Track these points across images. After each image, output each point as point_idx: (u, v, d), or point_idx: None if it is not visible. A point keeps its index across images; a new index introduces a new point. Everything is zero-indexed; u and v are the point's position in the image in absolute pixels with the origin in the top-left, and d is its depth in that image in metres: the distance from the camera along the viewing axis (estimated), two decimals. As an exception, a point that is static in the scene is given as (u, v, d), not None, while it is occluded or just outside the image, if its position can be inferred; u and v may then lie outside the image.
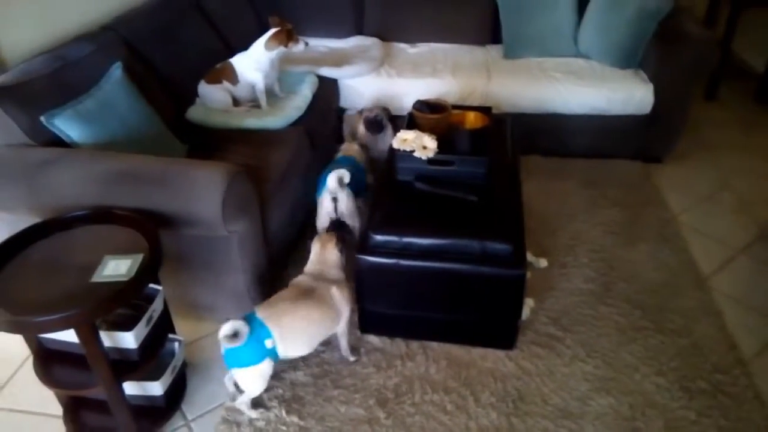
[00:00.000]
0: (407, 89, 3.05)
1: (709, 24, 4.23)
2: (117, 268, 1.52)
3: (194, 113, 2.62)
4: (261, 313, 1.75)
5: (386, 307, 2.03)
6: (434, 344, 2.05)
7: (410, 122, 2.32)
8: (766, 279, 2.35)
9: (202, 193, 1.71)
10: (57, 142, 1.93)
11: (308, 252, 1.99)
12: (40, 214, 1.78)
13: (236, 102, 2.71)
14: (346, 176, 2.21)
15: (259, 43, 2.66)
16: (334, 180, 2.18)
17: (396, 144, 2.11)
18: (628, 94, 2.92)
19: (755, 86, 3.84)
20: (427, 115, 2.26)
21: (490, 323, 1.98)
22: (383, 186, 2.18)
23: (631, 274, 2.35)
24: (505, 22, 3.30)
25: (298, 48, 2.69)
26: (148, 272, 1.51)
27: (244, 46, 2.72)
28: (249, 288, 2.00)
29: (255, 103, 2.74)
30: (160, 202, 1.73)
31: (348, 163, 2.50)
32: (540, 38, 3.26)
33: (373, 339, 2.08)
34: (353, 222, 2.31)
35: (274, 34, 2.63)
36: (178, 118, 2.57)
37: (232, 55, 2.73)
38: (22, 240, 1.61)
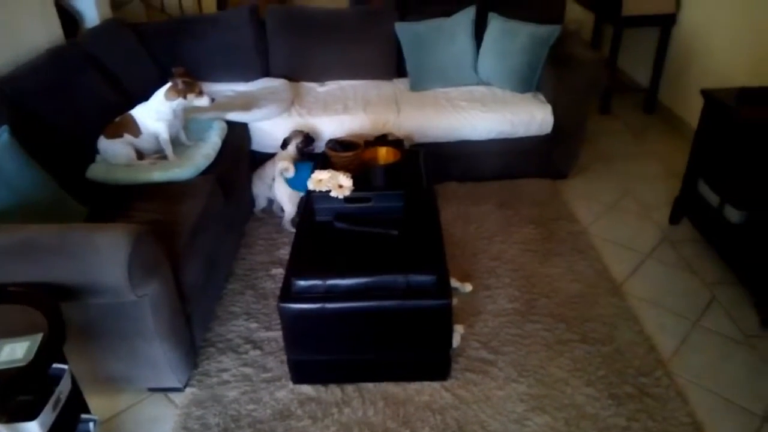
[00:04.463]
0: (320, 128, 3.06)
1: (595, 45, 4.56)
2: (12, 352, 1.38)
3: (95, 171, 2.47)
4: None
5: (316, 353, 1.97)
6: (370, 385, 2.01)
7: (324, 162, 2.31)
8: (673, 280, 2.50)
9: (104, 259, 1.60)
10: (-64, 218, 1.76)
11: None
12: None
13: (141, 155, 2.60)
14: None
15: (160, 93, 2.57)
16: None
17: (311, 185, 2.09)
18: (530, 117, 3.07)
19: (642, 98, 4.15)
20: (340, 153, 2.26)
21: (423, 356, 1.97)
22: (302, 229, 2.14)
23: (551, 289, 2.43)
24: (408, 56, 3.40)
25: (202, 103, 2.61)
26: (49, 353, 1.38)
27: (146, 97, 2.63)
28: (167, 352, 1.88)
29: (161, 155, 2.64)
30: (61, 273, 1.61)
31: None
32: (442, 69, 3.37)
33: (307, 389, 2.01)
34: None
35: (171, 87, 2.55)
36: (79, 178, 2.42)
37: (133, 107, 2.63)
38: None
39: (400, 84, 3.47)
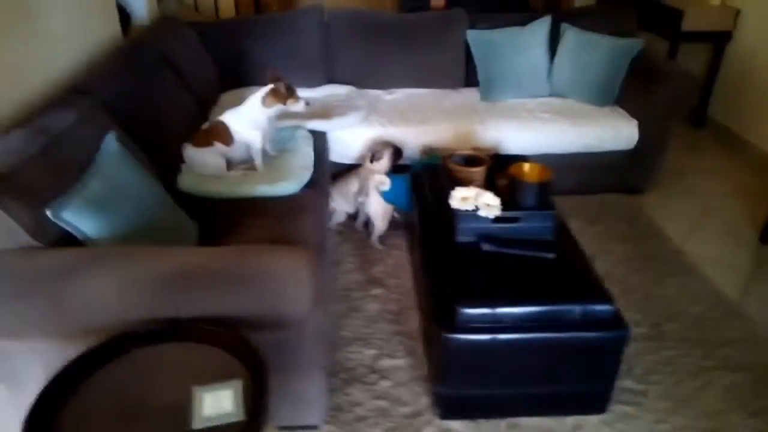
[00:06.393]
0: (402, 137, 2.89)
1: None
2: (218, 403, 1.18)
3: (187, 182, 2.25)
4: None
5: (474, 387, 1.81)
6: (523, 420, 1.87)
7: (448, 177, 2.16)
8: (787, 301, 2.46)
9: (289, 289, 1.41)
10: (65, 240, 1.52)
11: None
12: (65, 339, 1.37)
13: (228, 165, 2.39)
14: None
15: (255, 99, 2.37)
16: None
17: (455, 204, 1.94)
18: (616, 131, 2.99)
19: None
20: (470, 168, 2.12)
21: (586, 389, 1.84)
22: (439, 250, 1.98)
23: (673, 311, 2.34)
24: (479, 65, 3.28)
25: (298, 108, 2.42)
26: (263, 404, 1.19)
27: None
28: (315, 385, 1.69)
29: (248, 166, 2.43)
30: (234, 304, 1.40)
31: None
32: (516, 79, 3.27)
33: (456, 425, 1.85)
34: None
35: (273, 92, 2.35)
36: (169, 189, 2.19)
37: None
38: (71, 376, 1.21)
39: (469, 94, 3.35)
